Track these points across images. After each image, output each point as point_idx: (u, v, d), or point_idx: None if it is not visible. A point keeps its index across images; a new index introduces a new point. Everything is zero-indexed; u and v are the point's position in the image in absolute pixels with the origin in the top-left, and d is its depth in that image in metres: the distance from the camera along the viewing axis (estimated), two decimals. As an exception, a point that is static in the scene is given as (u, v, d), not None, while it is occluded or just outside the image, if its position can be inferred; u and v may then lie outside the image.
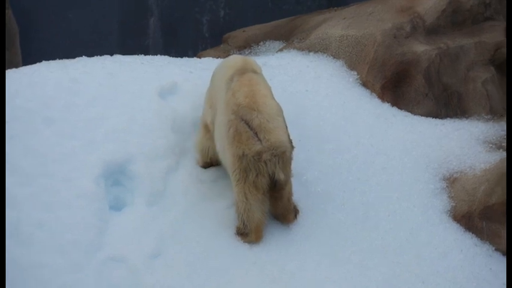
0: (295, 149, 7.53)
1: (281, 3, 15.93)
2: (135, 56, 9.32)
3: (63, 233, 7.19)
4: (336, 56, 9.90)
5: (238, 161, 7.26)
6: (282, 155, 7.28)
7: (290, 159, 7.43)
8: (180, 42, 15.70)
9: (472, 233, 8.08)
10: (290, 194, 7.63)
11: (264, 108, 7.31)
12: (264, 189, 7.34)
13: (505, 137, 8.87)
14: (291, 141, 7.44)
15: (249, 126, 7.24)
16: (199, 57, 10.39)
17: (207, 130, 7.93)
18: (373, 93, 9.54)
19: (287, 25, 11.33)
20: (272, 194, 7.45)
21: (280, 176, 7.30)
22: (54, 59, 8.98)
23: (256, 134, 7.23)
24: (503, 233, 7.94)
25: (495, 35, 10.12)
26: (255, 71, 7.74)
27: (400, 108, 9.48)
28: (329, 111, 9.06)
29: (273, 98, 7.52)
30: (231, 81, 7.57)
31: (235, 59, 7.97)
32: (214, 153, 7.82)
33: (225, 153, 7.45)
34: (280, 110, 7.47)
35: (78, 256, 7.10)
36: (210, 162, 8.04)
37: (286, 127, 7.46)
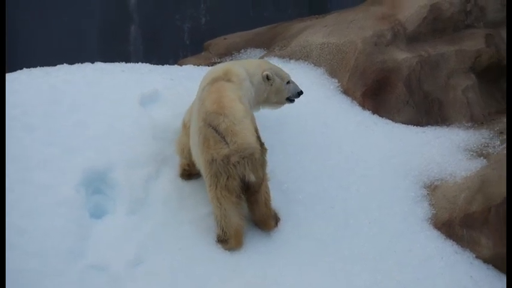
0: (268, 152, 7.50)
1: (262, 10, 15.97)
2: (116, 64, 9.32)
3: (43, 240, 7.14)
4: (316, 63, 9.92)
5: (209, 166, 7.27)
6: (251, 157, 7.25)
7: (261, 160, 7.39)
8: (161, 50, 15.69)
9: (453, 240, 8.10)
10: (267, 198, 7.61)
11: (230, 112, 7.31)
12: (236, 192, 7.32)
13: (486, 144, 8.91)
14: (262, 144, 7.42)
15: (217, 131, 7.24)
16: (180, 65, 10.39)
17: (184, 127, 7.94)
18: (354, 101, 9.56)
19: (268, 33, 11.34)
20: (248, 198, 7.47)
21: (251, 177, 7.29)
22: (35, 66, 8.96)
23: (223, 138, 7.23)
24: (484, 240, 7.97)
25: (476, 42, 10.17)
26: (230, 80, 7.73)
27: (381, 115, 9.50)
28: (310, 118, 9.08)
29: (241, 102, 7.51)
30: (203, 91, 7.61)
31: (216, 69, 7.99)
32: (189, 152, 7.80)
33: (199, 161, 7.48)
34: (247, 112, 7.46)
35: (58, 263, 7.05)
36: (189, 171, 8.01)
37: (256, 129, 7.45)
